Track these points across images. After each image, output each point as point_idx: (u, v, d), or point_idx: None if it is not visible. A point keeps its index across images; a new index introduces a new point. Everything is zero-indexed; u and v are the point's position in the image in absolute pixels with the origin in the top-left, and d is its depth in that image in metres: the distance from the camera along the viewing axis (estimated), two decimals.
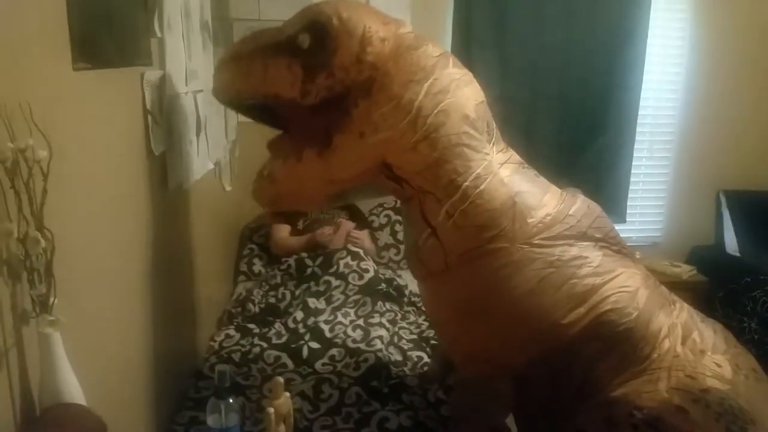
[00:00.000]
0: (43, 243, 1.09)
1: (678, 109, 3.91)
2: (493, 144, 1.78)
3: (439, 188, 1.70)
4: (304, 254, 2.95)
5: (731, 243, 3.86)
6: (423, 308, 2.54)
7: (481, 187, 1.68)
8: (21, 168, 1.08)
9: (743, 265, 3.65)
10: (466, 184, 1.68)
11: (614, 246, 1.78)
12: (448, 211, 1.69)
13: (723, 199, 3.94)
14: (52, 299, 1.13)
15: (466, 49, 3.55)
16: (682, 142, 3.94)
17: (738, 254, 3.80)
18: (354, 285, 2.79)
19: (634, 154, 3.89)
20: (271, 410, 1.32)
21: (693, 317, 1.77)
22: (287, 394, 1.36)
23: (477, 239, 1.69)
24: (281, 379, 1.36)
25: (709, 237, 4.02)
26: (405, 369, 2.26)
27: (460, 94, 1.74)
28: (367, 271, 2.85)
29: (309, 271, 2.87)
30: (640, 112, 3.82)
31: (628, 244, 2.03)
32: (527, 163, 1.93)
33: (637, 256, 1.90)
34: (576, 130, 3.75)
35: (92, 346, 1.40)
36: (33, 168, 1.09)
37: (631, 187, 3.93)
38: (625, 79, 3.72)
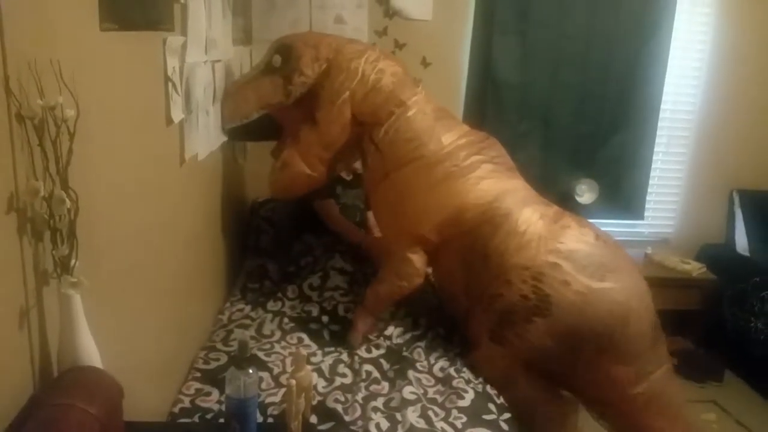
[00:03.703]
0: (68, 203, 1.07)
1: (697, 106, 3.87)
2: (421, 90, 2.53)
3: (382, 117, 2.43)
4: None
5: (742, 242, 3.84)
6: None
7: (408, 114, 2.42)
8: (49, 126, 1.06)
9: (753, 265, 3.63)
10: (398, 110, 2.42)
11: (505, 165, 2.45)
12: (386, 130, 2.41)
13: (736, 198, 3.91)
14: (73, 260, 1.11)
15: (487, 35, 3.52)
16: (698, 139, 3.90)
17: (748, 254, 3.78)
18: None
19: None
20: (293, 382, 1.31)
21: (566, 213, 2.33)
22: (309, 367, 1.34)
23: (405, 149, 2.38)
24: (304, 352, 1.35)
25: (720, 235, 4.00)
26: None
27: (386, 62, 2.51)
28: None
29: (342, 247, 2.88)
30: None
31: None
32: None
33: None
34: (596, 121, 3.72)
35: (109, 311, 1.39)
36: (60, 127, 1.07)
37: None
38: (648, 73, 3.67)
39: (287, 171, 2.54)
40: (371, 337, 2.42)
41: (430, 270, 2.56)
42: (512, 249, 2.19)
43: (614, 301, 2.08)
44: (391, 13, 3.43)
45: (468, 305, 2.37)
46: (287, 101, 2.49)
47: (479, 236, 2.26)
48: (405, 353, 2.32)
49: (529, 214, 2.25)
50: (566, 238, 2.17)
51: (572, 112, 3.68)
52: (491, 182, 2.33)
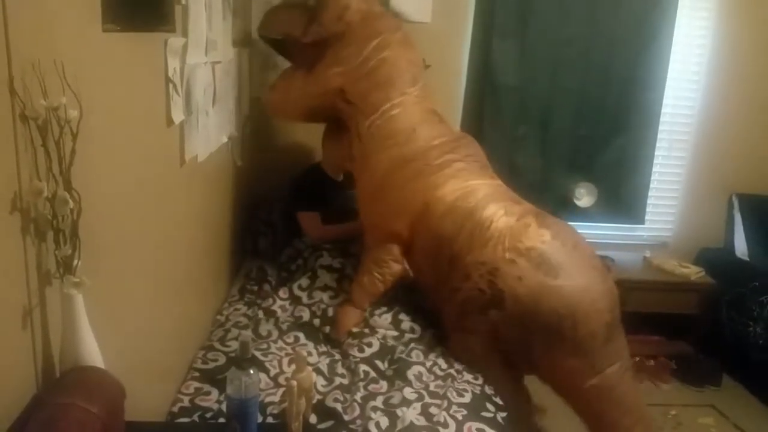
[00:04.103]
0: (70, 203, 1.08)
1: (696, 110, 3.87)
2: (416, 89, 2.62)
3: (368, 108, 2.57)
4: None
5: (741, 246, 3.84)
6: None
7: (393, 113, 2.54)
8: (52, 126, 1.06)
9: (752, 269, 3.62)
10: (384, 108, 2.55)
11: (478, 163, 2.58)
12: (369, 125, 2.56)
13: (735, 202, 3.91)
14: (76, 261, 1.12)
15: (486, 38, 3.52)
16: (698, 142, 3.91)
17: (747, 258, 3.78)
18: None
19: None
20: (294, 383, 1.31)
21: (533, 210, 2.42)
22: (309, 368, 1.35)
23: (383, 146, 2.53)
24: (304, 353, 1.35)
25: (719, 239, 4.00)
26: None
27: (396, 51, 2.61)
28: None
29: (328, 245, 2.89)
30: None
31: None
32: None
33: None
34: (595, 125, 3.72)
35: (111, 310, 1.39)
36: (64, 127, 1.08)
37: None
38: (648, 76, 3.68)
39: (273, 93, 2.88)
40: (365, 330, 2.44)
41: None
42: (474, 245, 2.29)
43: (563, 299, 2.15)
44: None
45: (436, 298, 2.50)
46: (303, 39, 2.66)
47: (445, 233, 2.37)
48: (402, 354, 2.32)
49: (493, 211, 2.35)
50: (525, 236, 2.25)
51: (572, 115, 3.68)
52: (460, 180, 2.45)
